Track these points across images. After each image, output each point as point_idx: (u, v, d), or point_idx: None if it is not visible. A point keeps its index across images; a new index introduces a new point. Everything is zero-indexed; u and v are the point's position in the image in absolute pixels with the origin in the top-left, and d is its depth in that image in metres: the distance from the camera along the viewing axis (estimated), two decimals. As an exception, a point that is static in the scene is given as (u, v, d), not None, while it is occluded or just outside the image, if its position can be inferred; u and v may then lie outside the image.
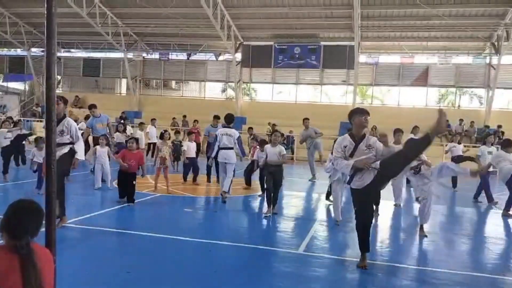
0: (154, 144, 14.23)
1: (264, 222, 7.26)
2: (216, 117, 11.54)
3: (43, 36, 2.27)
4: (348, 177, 5.20)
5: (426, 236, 6.53)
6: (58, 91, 27.68)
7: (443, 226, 7.72)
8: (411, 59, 22.69)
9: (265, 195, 7.87)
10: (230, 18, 21.52)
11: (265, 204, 7.87)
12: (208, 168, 10.97)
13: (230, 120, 9.00)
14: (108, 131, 10.35)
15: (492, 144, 10.79)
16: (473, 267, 5.31)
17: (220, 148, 8.68)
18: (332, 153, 7.36)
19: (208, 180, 11.12)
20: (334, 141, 7.25)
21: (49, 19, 2.16)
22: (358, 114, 5.07)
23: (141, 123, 15.93)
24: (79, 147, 6.32)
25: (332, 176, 7.52)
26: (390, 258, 5.54)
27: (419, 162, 6.69)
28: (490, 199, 9.97)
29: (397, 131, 8.59)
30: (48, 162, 2.38)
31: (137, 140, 8.64)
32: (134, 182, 7.97)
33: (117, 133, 11.95)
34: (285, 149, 9.92)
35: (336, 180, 7.39)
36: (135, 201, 7.92)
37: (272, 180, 7.64)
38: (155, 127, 15.76)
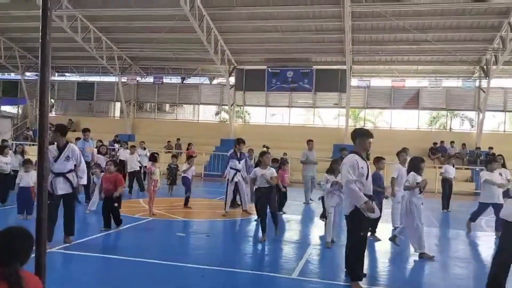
0: (144, 167, 13.92)
1: (258, 246, 7.19)
2: (241, 141, 10.55)
3: (37, 60, 2.30)
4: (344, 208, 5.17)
5: (433, 257, 6.50)
6: (52, 114, 27.65)
7: (438, 249, 7.68)
8: (402, 82, 23.00)
9: (260, 221, 7.67)
10: (224, 43, 21.82)
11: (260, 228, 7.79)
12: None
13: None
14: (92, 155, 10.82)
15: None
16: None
17: None
18: (328, 173, 7.39)
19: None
20: (332, 163, 7.27)
21: (44, 46, 2.19)
22: (366, 136, 5.03)
23: (132, 146, 14.77)
24: (83, 171, 6.51)
25: (330, 201, 7.30)
26: (386, 283, 5.49)
27: (423, 181, 6.70)
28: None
29: (401, 152, 8.68)
30: (40, 188, 2.37)
31: (115, 162, 8.56)
32: (115, 205, 7.64)
33: (99, 154, 11.65)
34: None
35: (332, 205, 7.23)
36: (127, 225, 7.80)
37: (267, 204, 7.56)
38: (145, 149, 15.37)
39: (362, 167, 4.87)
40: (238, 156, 10.12)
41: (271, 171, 7.68)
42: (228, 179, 10.10)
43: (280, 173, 10.02)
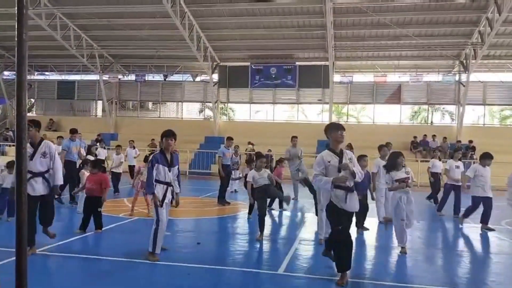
0: (133, 166, 13.74)
1: (244, 243, 7.19)
2: (230, 139, 11.73)
3: (15, 59, 2.24)
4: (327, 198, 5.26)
5: (405, 253, 6.56)
6: (32, 114, 27.14)
7: (421, 241, 7.81)
8: (384, 78, 23.26)
9: (258, 220, 7.45)
10: (206, 39, 21.71)
11: (250, 225, 7.80)
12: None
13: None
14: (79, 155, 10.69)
15: (459, 159, 10.97)
16: (450, 282, 5.37)
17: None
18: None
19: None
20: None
21: (20, 46, 2.13)
22: (334, 129, 5.17)
23: (118, 146, 14.46)
24: (56, 169, 6.08)
25: (323, 195, 7.31)
26: (370, 275, 5.56)
27: (407, 176, 6.69)
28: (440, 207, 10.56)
29: (382, 147, 8.92)
30: (19, 189, 2.32)
31: (95, 162, 8.36)
32: (99, 209, 7.39)
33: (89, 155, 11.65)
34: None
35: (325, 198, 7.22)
36: (112, 225, 7.71)
37: (266, 199, 7.69)
38: (134, 148, 15.29)
39: (329, 162, 5.03)
40: (168, 160, 5.95)
41: (267, 174, 7.74)
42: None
43: (278, 169, 10.17)
